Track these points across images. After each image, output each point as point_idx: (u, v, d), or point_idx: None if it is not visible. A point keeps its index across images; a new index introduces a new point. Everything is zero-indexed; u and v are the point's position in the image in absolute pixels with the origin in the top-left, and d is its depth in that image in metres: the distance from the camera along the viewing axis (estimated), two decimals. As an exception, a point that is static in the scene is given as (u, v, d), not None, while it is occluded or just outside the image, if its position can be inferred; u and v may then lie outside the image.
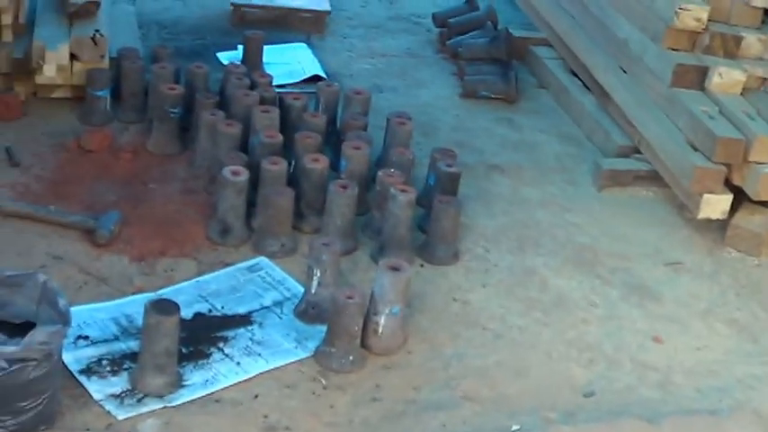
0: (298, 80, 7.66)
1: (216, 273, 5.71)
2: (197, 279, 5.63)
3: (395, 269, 5.25)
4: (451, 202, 6.08)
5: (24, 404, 4.36)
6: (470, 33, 8.51)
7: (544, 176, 7.13)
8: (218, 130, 6.30)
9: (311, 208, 6.12)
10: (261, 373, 5.05)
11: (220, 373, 5.01)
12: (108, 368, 4.92)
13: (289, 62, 7.89)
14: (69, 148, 6.59)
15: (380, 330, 5.25)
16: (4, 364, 4.27)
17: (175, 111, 6.62)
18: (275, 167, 6.00)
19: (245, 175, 5.89)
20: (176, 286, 5.52)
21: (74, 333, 5.07)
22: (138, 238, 5.87)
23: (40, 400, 4.40)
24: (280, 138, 6.28)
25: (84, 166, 6.47)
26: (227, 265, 5.79)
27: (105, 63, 7.00)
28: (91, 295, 5.41)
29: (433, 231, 6.04)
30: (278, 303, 5.53)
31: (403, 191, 5.90)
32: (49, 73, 6.78)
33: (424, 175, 6.56)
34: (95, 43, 6.90)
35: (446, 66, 8.52)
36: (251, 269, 5.77)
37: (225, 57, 7.85)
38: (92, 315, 5.24)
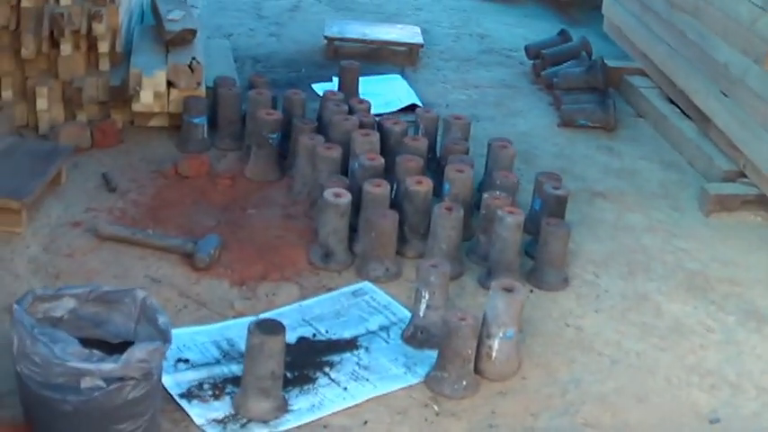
0: (394, 110, 7.16)
1: (319, 297, 5.21)
2: (299, 303, 5.13)
3: (508, 290, 4.71)
4: (561, 225, 5.53)
5: (122, 426, 3.87)
6: (565, 64, 8.00)
7: (648, 202, 6.57)
8: (318, 154, 5.81)
9: (415, 232, 5.60)
10: (369, 399, 4.53)
11: (327, 398, 4.49)
12: (210, 392, 4.42)
13: (384, 93, 7.41)
14: (167, 175, 6.14)
15: (494, 355, 4.71)
16: (101, 383, 3.78)
17: (273, 136, 6.16)
18: (378, 190, 5.50)
19: (347, 198, 5.39)
20: (278, 310, 5.03)
21: (174, 356, 4.58)
22: (238, 263, 5.39)
23: (140, 423, 3.91)
24: (381, 160, 5.79)
25: (181, 191, 6.01)
26: (330, 289, 5.29)
27: (202, 91, 6.57)
28: (190, 319, 4.94)
29: (541, 256, 5.49)
30: (384, 328, 5.01)
31: (511, 213, 5.36)
32: (145, 100, 6.36)
33: (528, 202, 6.02)
34: (192, 70, 6.48)
35: (542, 96, 8.02)
36: (355, 294, 5.26)
37: (320, 88, 7.39)
38: (192, 338, 4.75)
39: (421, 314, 4.86)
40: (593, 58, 8.07)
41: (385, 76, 7.76)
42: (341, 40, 8.01)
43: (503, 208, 5.41)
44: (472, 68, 8.45)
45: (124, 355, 3.79)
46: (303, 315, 5.03)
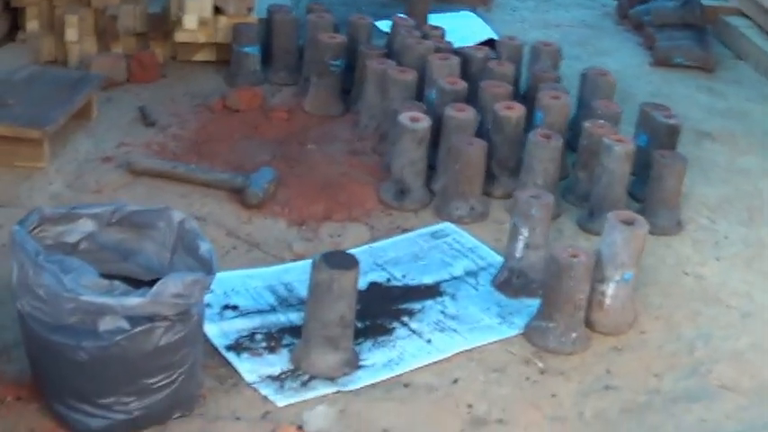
0: (470, 44, 6.13)
1: (393, 239, 4.24)
2: (369, 245, 4.16)
3: (628, 223, 3.71)
4: (677, 158, 4.52)
5: (152, 381, 2.93)
6: (656, 1, 6.95)
7: (763, 146, 5.51)
8: (390, 77, 4.84)
9: (504, 167, 4.62)
10: (458, 353, 3.55)
11: (407, 351, 3.53)
12: (263, 344, 3.47)
13: (457, 29, 6.36)
14: (213, 108, 5.20)
15: (607, 302, 3.72)
16: (125, 325, 2.83)
17: (336, 64, 5.19)
18: (462, 114, 4.52)
19: (425, 122, 4.41)
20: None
21: (220, 302, 3.64)
22: (297, 200, 4.43)
23: (174, 377, 2.97)
24: (463, 84, 4.80)
25: (230, 125, 5.07)
26: (405, 231, 4.31)
27: (254, 17, 5.60)
28: (240, 262, 4.00)
29: (653, 194, 4.49)
30: (471, 273, 4.04)
31: (619, 141, 4.36)
32: (189, 25, 5.41)
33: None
34: (242, -5, 5.51)
35: (629, 36, 7.00)
36: (435, 235, 4.28)
37: (384, 25, 6.37)
38: (243, 282, 3.80)
39: (517, 255, 3.88)
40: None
41: (457, 12, 6.73)
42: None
43: (609, 136, 4.40)
44: (551, 8, 7.45)
45: (154, 288, 2.84)
46: (375, 258, 4.06)
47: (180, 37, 5.53)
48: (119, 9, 5.51)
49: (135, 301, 2.81)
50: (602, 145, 4.37)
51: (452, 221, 4.36)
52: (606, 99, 4.96)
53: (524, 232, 3.85)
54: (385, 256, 4.09)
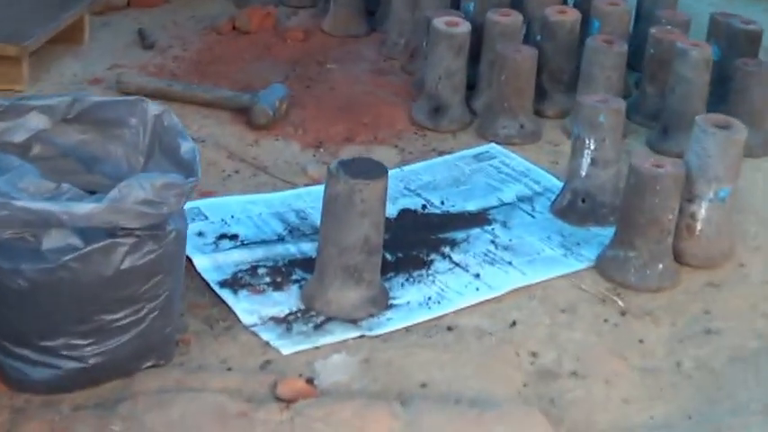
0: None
1: (428, 161, 3.40)
2: (401, 168, 3.33)
3: (723, 128, 2.87)
4: (763, 65, 3.66)
5: (113, 318, 2.11)
6: None
7: None
8: (422, -17, 4.00)
9: (557, 81, 3.78)
10: (515, 290, 2.71)
11: (450, 288, 2.70)
12: (267, 279, 2.66)
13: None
14: (221, 30, 4.37)
15: (699, 227, 2.87)
16: (77, 241, 2.03)
17: (360, -26, 4.35)
18: (508, 19, 3.68)
19: (464, 26, 3.58)
20: (370, 177, 3.24)
21: (215, 230, 2.83)
22: (314, 121, 3.62)
23: (143, 314, 2.15)
24: (507, -10, 3.96)
25: (239, 46, 4.25)
26: (442, 154, 3.48)
27: (269, -70, 4.77)
28: (244, 187, 3.18)
29: (736, 109, 3.60)
30: (525, 199, 3.21)
31: (696, 45, 3.51)
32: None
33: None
34: None
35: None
36: (478, 158, 3.45)
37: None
38: (245, 209, 2.99)
39: (582, 173, 3.05)
40: None
41: None
42: None
43: (683, 41, 3.55)
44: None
45: (113, 191, 2.02)
46: (407, 182, 3.24)
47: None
48: None
49: (88, 207, 2.00)
50: (675, 51, 3.52)
51: (499, 142, 3.53)
52: (670, 8, 4.09)
53: (591, 145, 3.01)
54: (419, 181, 3.27)
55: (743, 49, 3.84)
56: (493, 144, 3.53)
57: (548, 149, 3.56)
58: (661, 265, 2.77)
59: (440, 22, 3.58)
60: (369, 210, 2.44)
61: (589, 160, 3.03)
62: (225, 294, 2.58)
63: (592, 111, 3.01)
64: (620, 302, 2.71)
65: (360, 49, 4.28)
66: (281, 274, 2.68)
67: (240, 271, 2.68)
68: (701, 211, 2.86)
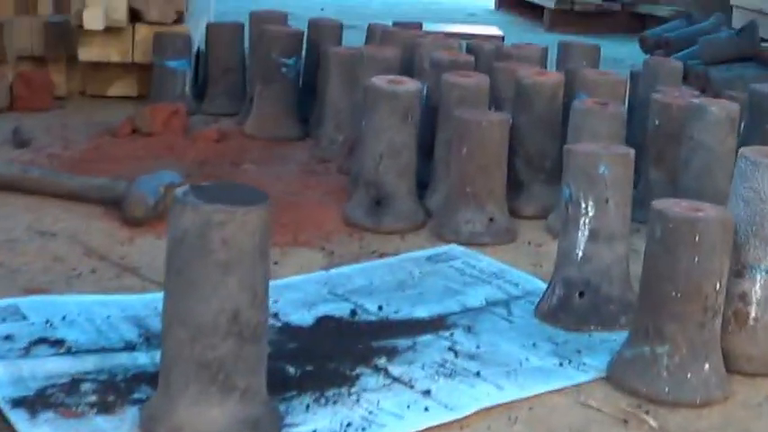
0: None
1: (364, 264, 2.45)
2: (326, 271, 2.38)
3: (779, 170, 1.96)
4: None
5: None
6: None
7: None
8: (363, 56, 3.13)
9: (535, 168, 2.89)
10: (486, 410, 1.72)
11: (384, 410, 1.72)
12: (93, 397, 1.68)
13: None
14: (117, 132, 3.48)
15: (753, 313, 1.91)
16: None
17: (289, 63, 3.51)
18: (470, 80, 2.81)
19: (412, 85, 2.70)
20: (283, 280, 2.27)
21: (33, 333, 1.85)
22: (214, 218, 2.65)
23: None
24: (467, 57, 3.12)
25: (134, 146, 3.37)
26: (383, 256, 2.53)
27: (184, 27, 3.95)
28: (98, 288, 2.23)
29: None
30: (499, 302, 2.25)
31: (716, 100, 2.65)
32: (91, 23, 3.73)
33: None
34: (168, -6, 3.88)
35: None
36: (433, 259, 2.51)
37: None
38: (87, 310, 2.04)
39: (578, 253, 2.10)
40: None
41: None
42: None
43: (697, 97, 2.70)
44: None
45: None
46: (332, 287, 2.30)
47: (84, 54, 3.87)
48: (11, 21, 3.88)
49: None
50: (689, 112, 2.64)
51: (461, 242, 2.59)
52: (673, 85, 3.25)
53: (588, 210, 2.09)
54: (350, 285, 2.33)
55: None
56: (454, 245, 2.59)
57: (527, 251, 2.63)
58: (707, 366, 1.79)
59: (380, 80, 2.70)
60: (236, 260, 1.48)
61: (587, 233, 2.10)
62: (16, 417, 1.58)
63: (588, 160, 2.10)
64: (651, 422, 1.72)
65: (288, 152, 3.42)
66: (116, 391, 1.70)
67: (52, 386, 1.70)
68: (755, 289, 1.90)
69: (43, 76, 3.84)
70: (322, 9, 8.26)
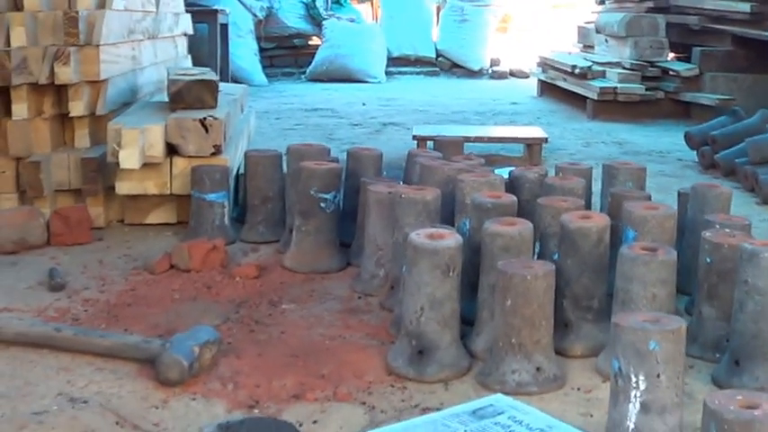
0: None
1: (406, 422, 2.34)
2: (366, 433, 2.28)
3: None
4: None
5: None
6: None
7: None
8: (402, 200, 3.04)
9: (583, 309, 2.77)
10: None
11: None
12: None
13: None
14: (154, 269, 3.41)
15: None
16: None
17: (327, 198, 3.44)
18: (512, 229, 2.71)
19: (453, 240, 2.60)
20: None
21: None
22: (252, 374, 2.61)
23: None
24: (511, 198, 3.01)
25: (171, 285, 3.30)
26: (426, 411, 2.41)
27: (223, 159, 3.90)
28: (132, 467, 2.11)
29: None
30: (547, 468, 2.11)
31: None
32: (127, 163, 3.69)
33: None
34: (206, 128, 3.84)
35: (719, 181, 5.18)
36: (479, 414, 2.38)
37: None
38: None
39: (630, 425, 1.97)
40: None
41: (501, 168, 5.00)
42: (434, 138, 5.17)
43: (752, 242, 2.57)
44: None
45: None
46: (373, 453, 2.17)
47: (122, 188, 3.84)
48: (48, 157, 3.88)
49: None
50: (742, 255, 2.52)
51: (507, 392, 2.47)
52: (722, 212, 3.14)
53: (639, 384, 1.96)
54: (392, 448, 2.20)
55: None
56: (499, 395, 2.47)
57: (576, 398, 2.51)
58: None
59: (419, 236, 2.60)
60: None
61: (638, 406, 1.98)
62: None
63: (637, 335, 1.98)
64: None
65: (328, 287, 3.33)
66: None
67: None
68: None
69: (80, 211, 3.80)
70: (364, 104, 8.32)
